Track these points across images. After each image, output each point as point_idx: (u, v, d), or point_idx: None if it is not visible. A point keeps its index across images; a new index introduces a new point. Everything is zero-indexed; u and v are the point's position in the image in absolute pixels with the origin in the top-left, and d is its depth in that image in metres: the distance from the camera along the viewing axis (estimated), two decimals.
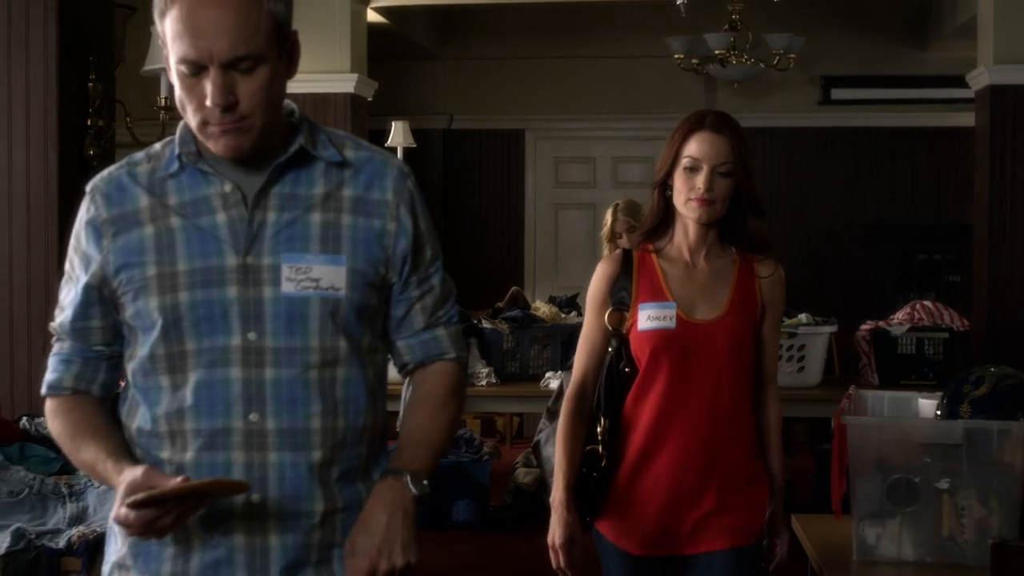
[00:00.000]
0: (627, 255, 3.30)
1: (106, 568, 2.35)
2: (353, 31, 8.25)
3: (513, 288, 8.28)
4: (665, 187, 3.24)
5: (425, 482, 2.23)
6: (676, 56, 9.77)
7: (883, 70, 11.26)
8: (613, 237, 7.36)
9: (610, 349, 3.25)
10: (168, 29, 2.13)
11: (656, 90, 11.48)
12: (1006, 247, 7.85)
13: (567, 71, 11.68)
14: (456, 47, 11.79)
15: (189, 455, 2.20)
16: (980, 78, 7.98)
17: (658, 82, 11.38)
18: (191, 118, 2.17)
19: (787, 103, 11.29)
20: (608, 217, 7.29)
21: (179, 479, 2.09)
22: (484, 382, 7.12)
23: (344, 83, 8.11)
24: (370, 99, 8.52)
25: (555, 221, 12.01)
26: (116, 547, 2.31)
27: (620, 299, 3.26)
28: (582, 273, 8.01)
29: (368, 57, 8.50)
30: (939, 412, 3.58)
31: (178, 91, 2.17)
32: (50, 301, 4.68)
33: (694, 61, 9.87)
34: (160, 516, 2.06)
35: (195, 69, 2.12)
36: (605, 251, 7.43)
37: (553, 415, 3.65)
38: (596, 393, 3.28)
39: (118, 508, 2.08)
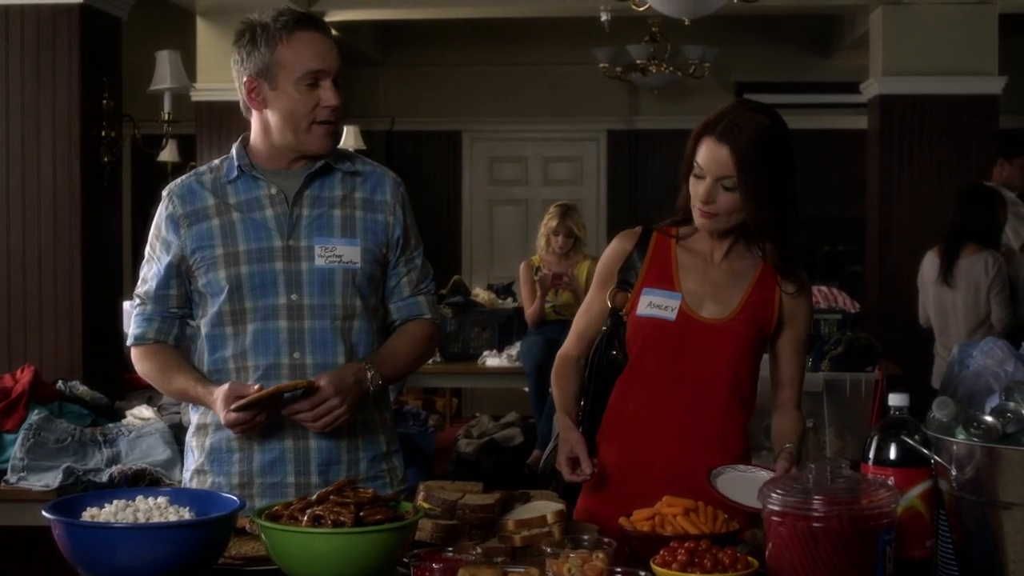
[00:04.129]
0: (646, 233, 3.01)
1: (186, 475, 3.10)
2: None
3: (455, 277, 8.88)
4: None
5: (379, 382, 2.96)
6: (601, 65, 10.26)
7: (790, 77, 11.61)
8: (548, 235, 8.03)
9: (604, 328, 3.01)
10: (288, 54, 2.88)
11: (583, 96, 11.84)
12: (893, 240, 8.48)
13: (501, 77, 11.98)
14: (398, 55, 11.97)
15: (251, 384, 2.91)
16: (871, 88, 8.65)
17: (585, 88, 11.73)
18: (301, 120, 2.91)
19: (704, 107, 10.78)
20: (553, 221, 7.87)
21: (256, 387, 2.82)
22: (430, 360, 7.67)
23: None
24: None
25: (490, 216, 12.28)
26: (194, 458, 3.06)
27: (626, 278, 2.97)
28: (515, 263, 8.72)
29: None
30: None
31: (290, 103, 2.90)
32: (74, 287, 5.46)
33: (618, 69, 10.32)
34: (257, 414, 2.82)
35: (314, 80, 2.89)
36: (540, 245, 8.14)
37: None
38: (584, 371, 3.04)
39: (226, 414, 2.81)
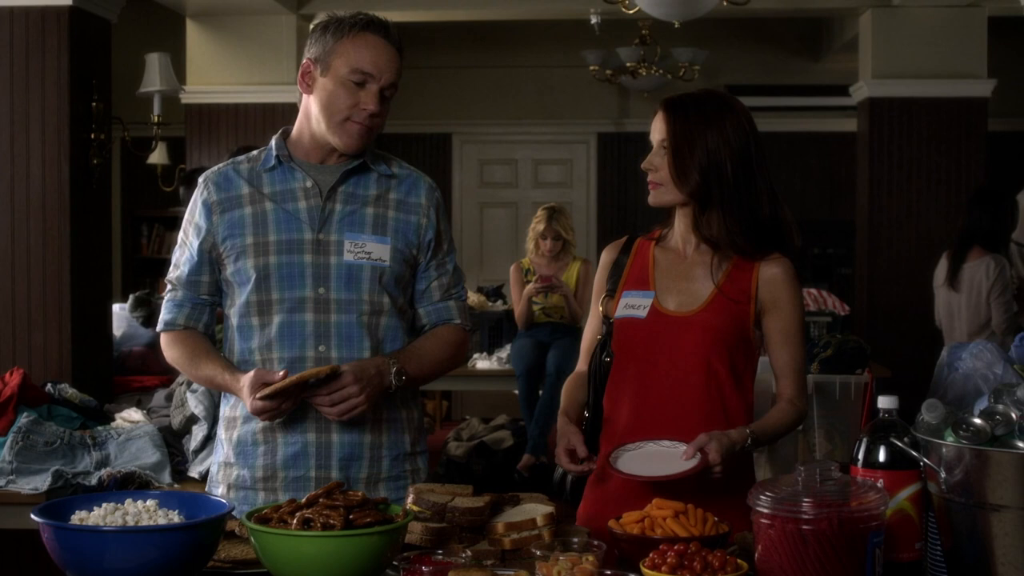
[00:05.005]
0: (630, 241, 3.06)
1: (213, 468, 3.13)
2: (299, 46, 8.51)
3: None
4: None
5: (403, 378, 2.97)
6: (591, 67, 10.30)
7: (780, 80, 11.63)
8: (536, 238, 8.06)
9: (598, 336, 3.01)
10: (347, 49, 2.92)
11: (573, 98, 11.91)
12: (883, 242, 8.54)
13: (491, 80, 12.03)
14: None
15: (276, 371, 2.92)
16: (860, 91, 8.70)
17: (575, 91, 11.80)
18: (337, 113, 2.94)
19: None
20: (540, 224, 7.91)
21: (281, 373, 2.85)
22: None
23: (290, 93, 8.24)
24: None
25: (480, 218, 12.31)
26: (223, 451, 3.09)
27: (613, 286, 3.00)
28: (505, 266, 8.74)
29: None
30: None
31: (331, 94, 2.94)
32: (63, 290, 5.45)
33: (608, 72, 10.40)
34: (283, 401, 2.85)
35: (361, 81, 2.92)
36: (529, 248, 8.16)
37: None
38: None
39: (252, 402, 2.84)
